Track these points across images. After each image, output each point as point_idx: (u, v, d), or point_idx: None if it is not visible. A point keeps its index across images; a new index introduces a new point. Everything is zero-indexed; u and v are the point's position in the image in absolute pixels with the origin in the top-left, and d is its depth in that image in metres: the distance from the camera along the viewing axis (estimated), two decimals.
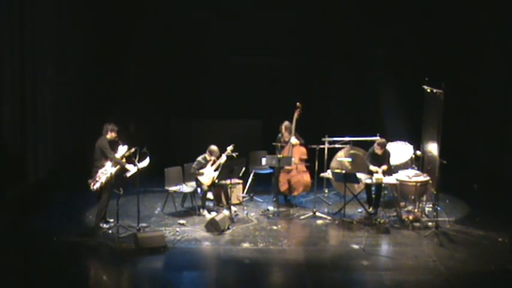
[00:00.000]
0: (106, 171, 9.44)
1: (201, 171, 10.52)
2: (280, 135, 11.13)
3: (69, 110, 12.60)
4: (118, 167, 9.53)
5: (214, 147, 10.60)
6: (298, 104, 11.10)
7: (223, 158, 10.54)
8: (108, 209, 9.88)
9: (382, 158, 10.53)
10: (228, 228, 9.79)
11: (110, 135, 9.67)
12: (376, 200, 10.53)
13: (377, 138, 10.80)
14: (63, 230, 9.57)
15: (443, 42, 13.49)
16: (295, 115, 11.06)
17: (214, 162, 10.59)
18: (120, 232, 9.27)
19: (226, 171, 10.35)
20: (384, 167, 10.42)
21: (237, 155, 10.80)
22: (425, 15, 13.75)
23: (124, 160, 9.61)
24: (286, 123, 11.09)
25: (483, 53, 13.13)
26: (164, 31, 14.10)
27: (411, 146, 11.37)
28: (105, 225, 9.64)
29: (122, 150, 9.65)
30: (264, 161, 11.03)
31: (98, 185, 9.43)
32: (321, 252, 9.03)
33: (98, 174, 9.42)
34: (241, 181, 11.33)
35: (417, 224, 9.91)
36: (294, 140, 11.02)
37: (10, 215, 10.04)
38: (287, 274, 8.38)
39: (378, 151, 10.48)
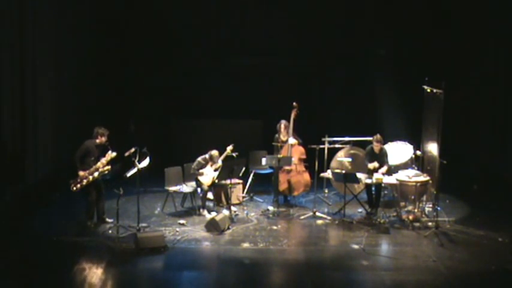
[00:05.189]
0: (89, 174, 9.53)
1: (200, 171, 10.52)
2: (277, 135, 11.14)
3: (69, 110, 12.59)
4: (99, 172, 9.58)
5: (215, 153, 10.57)
6: (294, 103, 11.11)
7: (219, 163, 10.53)
8: (107, 209, 9.91)
9: (380, 157, 10.55)
10: (228, 228, 9.79)
11: (100, 139, 9.69)
12: (376, 200, 10.53)
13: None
14: (63, 230, 9.58)
15: (443, 42, 13.49)
16: (292, 115, 11.07)
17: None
18: (120, 232, 9.27)
19: (226, 171, 10.35)
20: (384, 169, 10.43)
21: (237, 155, 10.81)
22: (425, 15, 13.76)
23: (100, 165, 9.61)
24: (283, 122, 11.10)
25: (483, 52, 13.12)
26: (164, 31, 14.11)
27: (411, 146, 11.37)
28: (88, 223, 9.75)
29: (110, 155, 9.64)
30: (264, 161, 11.04)
31: (78, 186, 9.51)
32: (321, 252, 9.03)
33: (81, 176, 9.51)
34: (241, 181, 11.33)
35: (417, 224, 9.91)
36: (292, 140, 11.02)
37: (10, 214, 10.04)
38: (287, 274, 8.38)
39: (376, 147, 10.50)
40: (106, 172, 9.66)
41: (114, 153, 9.65)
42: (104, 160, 9.63)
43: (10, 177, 10.46)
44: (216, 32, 14.25)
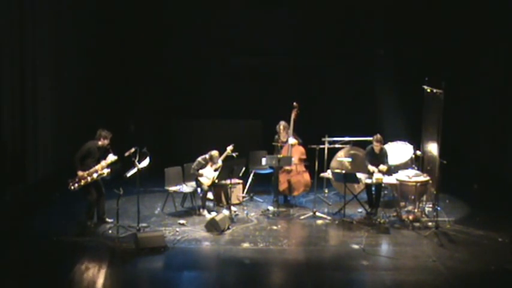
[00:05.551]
0: (87, 175, 9.52)
1: (200, 171, 10.52)
2: (277, 136, 11.13)
3: (69, 110, 12.59)
4: (97, 174, 9.58)
5: (215, 154, 10.57)
6: (295, 104, 11.11)
7: (219, 163, 10.53)
8: (107, 209, 9.92)
9: (380, 157, 10.55)
10: (228, 228, 9.79)
11: (102, 142, 9.69)
12: (376, 200, 10.53)
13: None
14: (63, 230, 9.58)
15: (443, 42, 13.49)
16: (293, 115, 11.07)
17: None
18: (120, 232, 9.27)
19: (226, 171, 10.35)
20: (383, 168, 10.43)
21: (237, 155, 10.82)
22: (425, 15, 13.75)
23: (100, 168, 9.61)
24: (282, 123, 11.10)
25: (483, 52, 13.12)
26: (164, 31, 14.11)
27: (411, 146, 11.38)
28: (88, 223, 9.75)
29: (110, 158, 9.64)
30: (264, 161, 11.04)
31: (75, 185, 9.49)
32: (321, 252, 9.03)
33: (79, 176, 9.50)
34: (241, 181, 11.33)
35: (417, 224, 9.91)
36: (292, 140, 11.02)
37: (10, 214, 10.04)
38: (287, 274, 8.38)
39: (376, 147, 10.51)
40: (105, 175, 9.66)
41: (115, 157, 9.66)
42: (104, 163, 9.62)
43: (10, 177, 10.47)
44: (216, 32, 14.24)
